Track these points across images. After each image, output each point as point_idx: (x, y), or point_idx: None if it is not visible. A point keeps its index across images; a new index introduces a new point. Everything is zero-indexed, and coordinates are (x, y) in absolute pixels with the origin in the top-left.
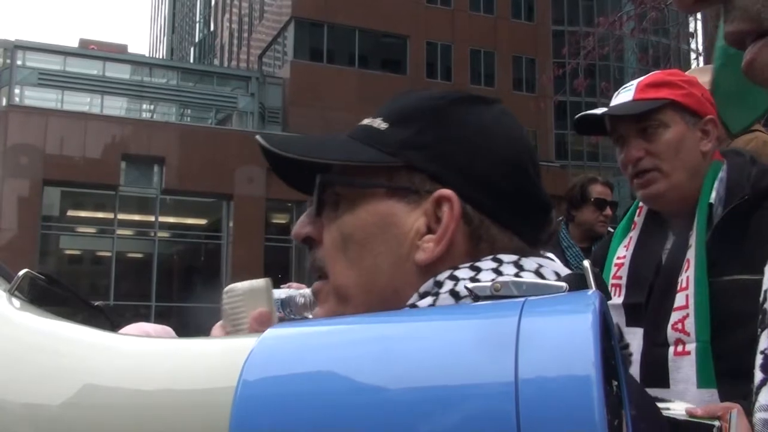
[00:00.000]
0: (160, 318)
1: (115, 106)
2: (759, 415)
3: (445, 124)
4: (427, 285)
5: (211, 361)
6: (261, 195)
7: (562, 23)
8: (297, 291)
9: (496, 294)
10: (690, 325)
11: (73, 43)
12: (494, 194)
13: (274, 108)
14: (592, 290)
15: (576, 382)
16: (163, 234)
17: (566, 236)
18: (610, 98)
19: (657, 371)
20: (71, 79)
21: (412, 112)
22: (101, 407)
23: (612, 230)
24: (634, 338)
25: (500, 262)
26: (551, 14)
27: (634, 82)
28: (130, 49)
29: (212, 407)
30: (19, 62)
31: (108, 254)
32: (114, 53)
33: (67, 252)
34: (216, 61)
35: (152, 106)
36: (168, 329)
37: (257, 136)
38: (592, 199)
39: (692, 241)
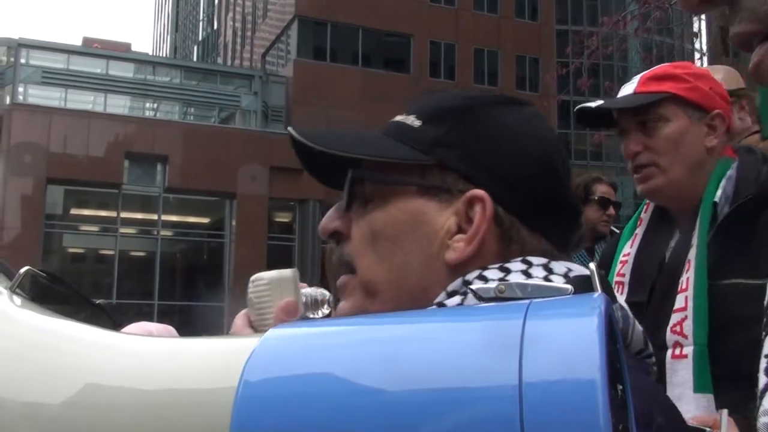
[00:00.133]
0: (163, 316)
1: (119, 104)
2: (763, 420)
3: (478, 124)
4: (456, 284)
5: (213, 361)
6: (264, 194)
7: (565, 23)
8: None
9: (500, 296)
10: (688, 327)
11: (77, 42)
12: (525, 196)
13: (278, 107)
14: (598, 293)
15: (581, 386)
16: (166, 232)
17: None
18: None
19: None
20: (75, 77)
21: (445, 111)
22: (102, 407)
23: (616, 230)
24: None
25: (530, 264)
26: (555, 14)
27: (640, 75)
28: (134, 48)
29: (214, 407)
30: (22, 60)
31: (111, 253)
32: (117, 52)
33: (70, 250)
34: (219, 60)
35: (155, 105)
36: (170, 328)
37: (289, 128)
38: (596, 198)
39: (694, 240)
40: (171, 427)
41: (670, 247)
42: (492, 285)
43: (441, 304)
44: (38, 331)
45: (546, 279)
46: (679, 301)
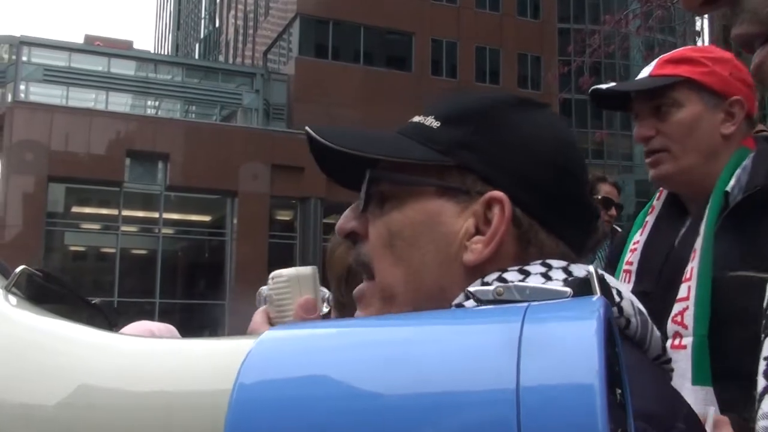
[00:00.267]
0: (164, 315)
1: (120, 102)
2: (762, 423)
3: (497, 125)
4: (474, 285)
5: (209, 363)
6: (265, 192)
7: (567, 21)
8: None
9: (499, 298)
10: (689, 318)
11: (79, 39)
12: (544, 198)
13: (279, 105)
14: (597, 296)
15: (579, 390)
16: (168, 231)
17: None
18: None
19: None
20: (76, 75)
21: (464, 113)
22: (97, 408)
23: (618, 228)
24: None
25: (549, 267)
26: (557, 12)
27: (659, 57)
28: (136, 46)
29: (209, 410)
30: (24, 58)
31: (112, 251)
32: (119, 49)
33: (72, 248)
34: (221, 58)
35: (157, 103)
36: (171, 327)
37: (306, 127)
38: (599, 198)
39: (702, 229)
40: (165, 429)
41: (680, 236)
42: (490, 287)
43: (459, 306)
44: (33, 330)
45: (566, 282)
46: (682, 291)
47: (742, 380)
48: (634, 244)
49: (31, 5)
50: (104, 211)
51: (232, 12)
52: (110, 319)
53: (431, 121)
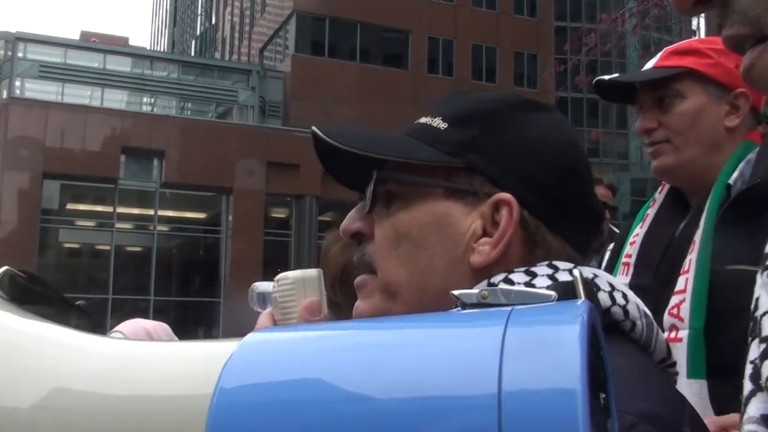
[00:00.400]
0: (159, 312)
1: (116, 99)
2: (747, 428)
3: (505, 127)
4: (481, 287)
5: (191, 366)
6: (260, 189)
7: (564, 19)
8: None
9: (483, 302)
10: (685, 310)
11: (75, 36)
12: (550, 200)
13: (275, 102)
14: (581, 300)
15: (561, 396)
16: (163, 228)
17: None
18: None
19: None
20: (72, 71)
21: (472, 114)
22: (74, 411)
23: (616, 229)
24: None
25: (556, 269)
26: (554, 10)
27: (665, 48)
28: (132, 42)
29: (191, 414)
30: (20, 54)
31: (107, 248)
32: (115, 46)
33: (66, 245)
34: (217, 55)
35: (153, 100)
36: (165, 326)
37: (312, 127)
38: None
39: (702, 222)
40: None
41: (680, 229)
42: (475, 291)
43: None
44: (13, 332)
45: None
46: (680, 284)
47: (736, 375)
48: (634, 237)
49: (26, 1)
50: (99, 208)
51: (229, 9)
52: (93, 321)
53: (438, 123)
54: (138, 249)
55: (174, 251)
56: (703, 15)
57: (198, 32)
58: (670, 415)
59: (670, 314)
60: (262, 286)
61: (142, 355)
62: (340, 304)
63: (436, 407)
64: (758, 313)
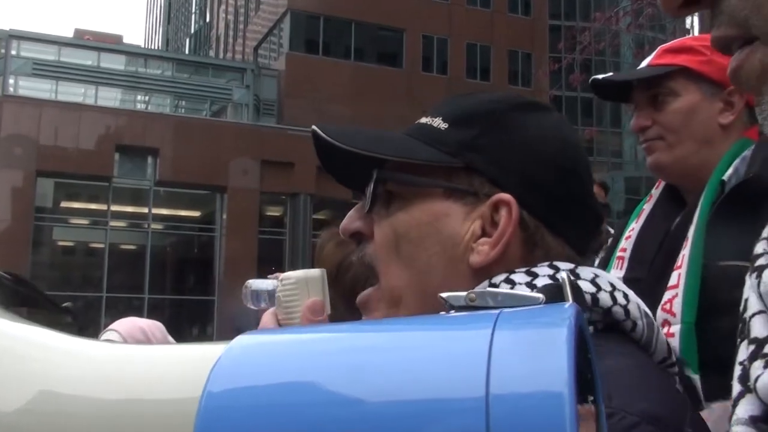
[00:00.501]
0: (153, 310)
1: (110, 97)
2: (736, 429)
3: (505, 128)
4: (481, 287)
5: (180, 369)
6: (255, 187)
7: (558, 18)
8: None
9: (471, 304)
10: (677, 305)
11: (68, 33)
12: (550, 200)
13: (270, 100)
14: (569, 303)
15: (548, 399)
16: (157, 226)
17: None
18: None
19: None
20: (66, 69)
21: (472, 114)
22: (59, 415)
23: (610, 229)
24: None
25: (557, 269)
26: (548, 9)
27: (660, 47)
28: (126, 40)
29: (179, 418)
30: (13, 52)
31: (101, 246)
32: (109, 44)
33: (60, 243)
34: (211, 53)
35: (147, 98)
36: (159, 325)
37: (313, 126)
38: None
39: (695, 217)
40: None
41: (674, 224)
42: (462, 293)
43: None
44: (1, 335)
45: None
46: (673, 279)
47: (729, 370)
48: (630, 231)
49: None
50: (93, 206)
51: (223, 7)
52: (79, 323)
53: (439, 123)
54: (132, 247)
55: (168, 249)
56: (696, 14)
57: (192, 30)
58: (672, 415)
59: (663, 309)
60: (256, 283)
61: (129, 358)
62: (334, 303)
63: (425, 410)
64: (747, 315)
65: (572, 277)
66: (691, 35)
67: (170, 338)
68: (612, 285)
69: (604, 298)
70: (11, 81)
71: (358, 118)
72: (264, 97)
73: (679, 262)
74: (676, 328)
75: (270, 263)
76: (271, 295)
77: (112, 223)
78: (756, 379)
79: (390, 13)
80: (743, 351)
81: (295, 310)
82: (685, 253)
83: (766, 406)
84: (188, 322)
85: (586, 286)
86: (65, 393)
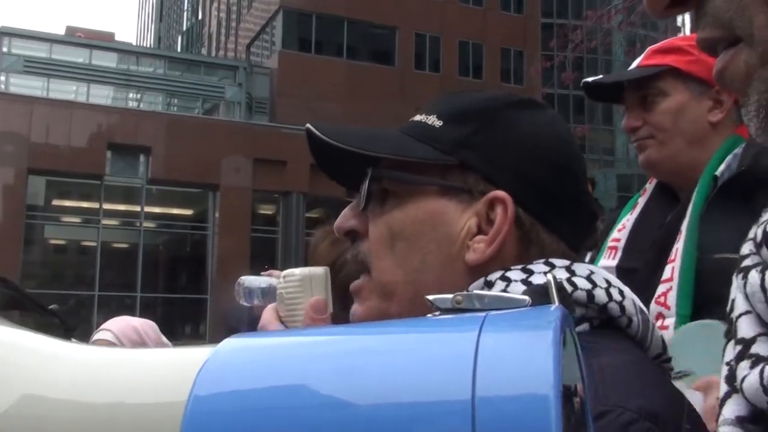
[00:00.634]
0: (146, 309)
1: (102, 94)
2: (723, 429)
3: (500, 125)
4: (477, 285)
5: (166, 373)
6: (248, 186)
7: (551, 16)
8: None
9: (457, 307)
10: (672, 298)
11: (60, 31)
12: (545, 198)
13: (262, 98)
14: (555, 305)
15: (534, 403)
16: (149, 224)
17: None
18: None
19: None
20: (57, 66)
21: (467, 112)
22: (42, 419)
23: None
24: None
25: (552, 266)
26: (540, 7)
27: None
28: (117, 37)
29: (165, 422)
30: (4, 49)
31: (93, 244)
32: (101, 41)
33: (52, 242)
34: (204, 51)
35: (139, 95)
36: (153, 324)
37: (307, 124)
38: None
39: (688, 211)
40: None
41: (668, 219)
42: (449, 295)
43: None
44: None
45: (569, 281)
46: (666, 272)
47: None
48: (624, 222)
49: None
50: (85, 204)
51: (215, 4)
52: (66, 326)
53: (433, 120)
54: (124, 245)
55: (161, 248)
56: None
57: (184, 28)
58: (669, 411)
59: (657, 302)
60: (249, 280)
61: (115, 362)
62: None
63: (411, 413)
64: (734, 315)
65: (567, 274)
66: (682, 33)
67: (163, 337)
68: (607, 281)
69: (600, 294)
70: (2, 78)
71: (350, 116)
72: (256, 95)
73: (672, 256)
74: (670, 321)
75: (263, 262)
76: (264, 291)
77: (104, 222)
78: (742, 380)
79: (382, 11)
80: (730, 351)
81: (298, 307)
82: (678, 246)
83: (753, 406)
84: (181, 321)
85: (581, 283)
86: (50, 397)
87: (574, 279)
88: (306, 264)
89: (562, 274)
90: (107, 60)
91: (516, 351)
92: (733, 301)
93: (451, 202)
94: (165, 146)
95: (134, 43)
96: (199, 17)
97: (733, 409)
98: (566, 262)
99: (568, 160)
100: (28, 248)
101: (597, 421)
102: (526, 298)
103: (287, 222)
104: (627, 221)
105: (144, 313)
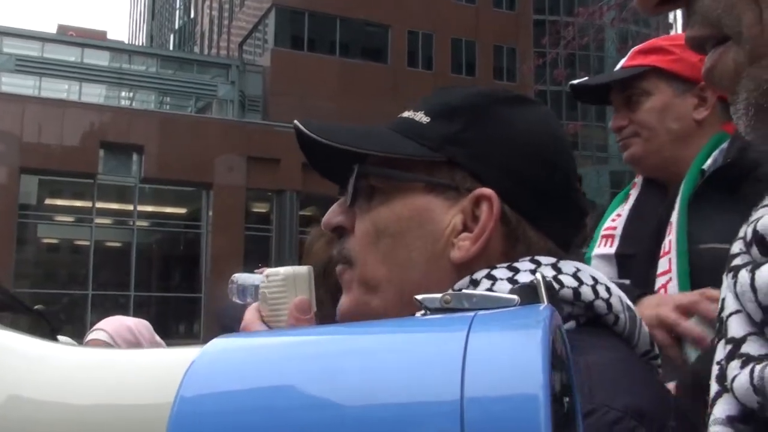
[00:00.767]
0: (139, 308)
1: (94, 93)
2: (714, 429)
3: (488, 122)
4: (462, 282)
5: (153, 375)
6: (241, 184)
7: (543, 12)
8: None
9: (446, 306)
10: (672, 289)
11: (52, 29)
12: (534, 195)
13: (255, 96)
14: (544, 304)
15: (523, 402)
16: (142, 223)
17: None
18: None
19: None
20: (49, 65)
21: (455, 108)
22: (27, 421)
23: None
24: None
25: (538, 264)
26: (532, 3)
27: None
28: (110, 36)
29: (150, 423)
30: None
31: (86, 243)
32: (93, 40)
33: (45, 241)
34: (196, 49)
35: (131, 94)
36: (146, 323)
37: (295, 121)
38: None
39: (677, 204)
40: None
41: (659, 212)
42: (437, 295)
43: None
44: None
45: (555, 279)
46: (663, 265)
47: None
48: (618, 212)
49: None
50: (78, 203)
51: (207, 2)
52: (53, 327)
53: (421, 117)
54: (117, 244)
55: (154, 247)
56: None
57: (176, 26)
58: (655, 409)
59: None
60: (243, 277)
61: (99, 364)
62: (322, 300)
63: (400, 414)
64: (724, 314)
65: (553, 272)
66: (674, 30)
67: (157, 337)
68: (594, 279)
69: (586, 292)
70: None
71: (343, 114)
72: (249, 93)
73: (666, 248)
74: None
75: (256, 260)
76: (258, 289)
77: (98, 221)
78: (733, 379)
79: (375, 8)
80: (720, 351)
81: (281, 307)
82: (671, 238)
83: (743, 406)
84: (175, 320)
85: (567, 281)
86: (36, 399)
87: (560, 276)
88: (300, 262)
89: (548, 272)
90: (99, 59)
91: (505, 351)
92: (723, 300)
93: (438, 199)
94: (158, 145)
95: (126, 42)
96: (192, 15)
97: (723, 408)
98: (552, 260)
99: (556, 155)
100: (20, 248)
101: (584, 420)
102: (515, 297)
103: (281, 220)
104: (622, 210)
105: (138, 312)
